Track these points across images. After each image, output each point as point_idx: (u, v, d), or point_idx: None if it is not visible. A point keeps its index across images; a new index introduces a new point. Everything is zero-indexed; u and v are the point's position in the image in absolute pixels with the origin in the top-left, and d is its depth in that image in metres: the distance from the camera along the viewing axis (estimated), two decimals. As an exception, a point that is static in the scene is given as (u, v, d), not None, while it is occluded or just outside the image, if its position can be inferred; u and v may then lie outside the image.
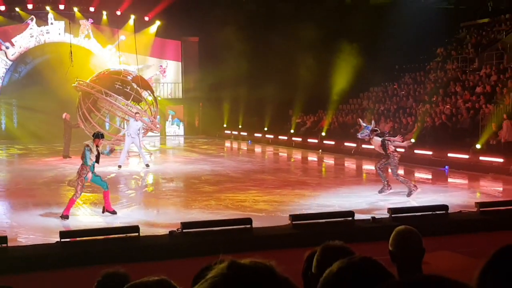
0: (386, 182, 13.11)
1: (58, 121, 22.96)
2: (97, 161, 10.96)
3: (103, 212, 11.05)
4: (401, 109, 24.81)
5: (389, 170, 13.30)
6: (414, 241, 3.32)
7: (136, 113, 20.13)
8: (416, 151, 20.14)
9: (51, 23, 33.58)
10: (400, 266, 3.26)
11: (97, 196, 12.77)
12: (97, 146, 10.98)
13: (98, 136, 11.14)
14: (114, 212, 11.04)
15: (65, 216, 10.60)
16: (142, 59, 33.92)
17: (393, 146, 13.09)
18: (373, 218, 9.68)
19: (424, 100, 24.48)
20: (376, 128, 13.58)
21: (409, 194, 12.84)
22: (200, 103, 36.09)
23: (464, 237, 9.42)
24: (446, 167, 18.20)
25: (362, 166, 20.55)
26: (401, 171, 14.27)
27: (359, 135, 13.84)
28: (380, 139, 13.09)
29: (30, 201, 12.80)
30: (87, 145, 10.88)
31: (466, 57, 27.13)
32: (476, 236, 9.41)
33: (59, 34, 33.78)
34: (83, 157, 10.85)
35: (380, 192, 13.19)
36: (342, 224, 9.55)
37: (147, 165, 18.88)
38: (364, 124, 13.77)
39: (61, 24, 33.71)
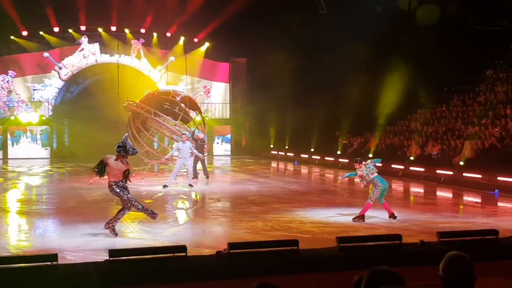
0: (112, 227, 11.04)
1: (108, 140, 23.19)
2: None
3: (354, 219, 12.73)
4: (450, 131, 24.44)
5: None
6: (466, 267, 3.29)
7: (182, 134, 20.37)
8: (465, 174, 19.83)
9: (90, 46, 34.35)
10: (450, 292, 3.24)
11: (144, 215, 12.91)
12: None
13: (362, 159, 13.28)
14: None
15: (361, 217, 12.67)
16: (191, 80, 34.43)
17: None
18: (422, 241, 9.53)
19: (473, 122, 24.07)
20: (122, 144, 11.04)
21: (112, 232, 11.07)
22: (247, 123, 36.33)
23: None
24: (495, 190, 17.84)
25: (410, 189, 20.29)
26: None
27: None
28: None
29: (79, 219, 13.02)
30: (369, 163, 13.05)
31: (516, 79, 26.64)
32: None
33: (95, 55, 34.50)
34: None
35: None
36: (390, 247, 9.43)
37: (190, 185, 19.08)
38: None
39: (95, 47, 34.44)
